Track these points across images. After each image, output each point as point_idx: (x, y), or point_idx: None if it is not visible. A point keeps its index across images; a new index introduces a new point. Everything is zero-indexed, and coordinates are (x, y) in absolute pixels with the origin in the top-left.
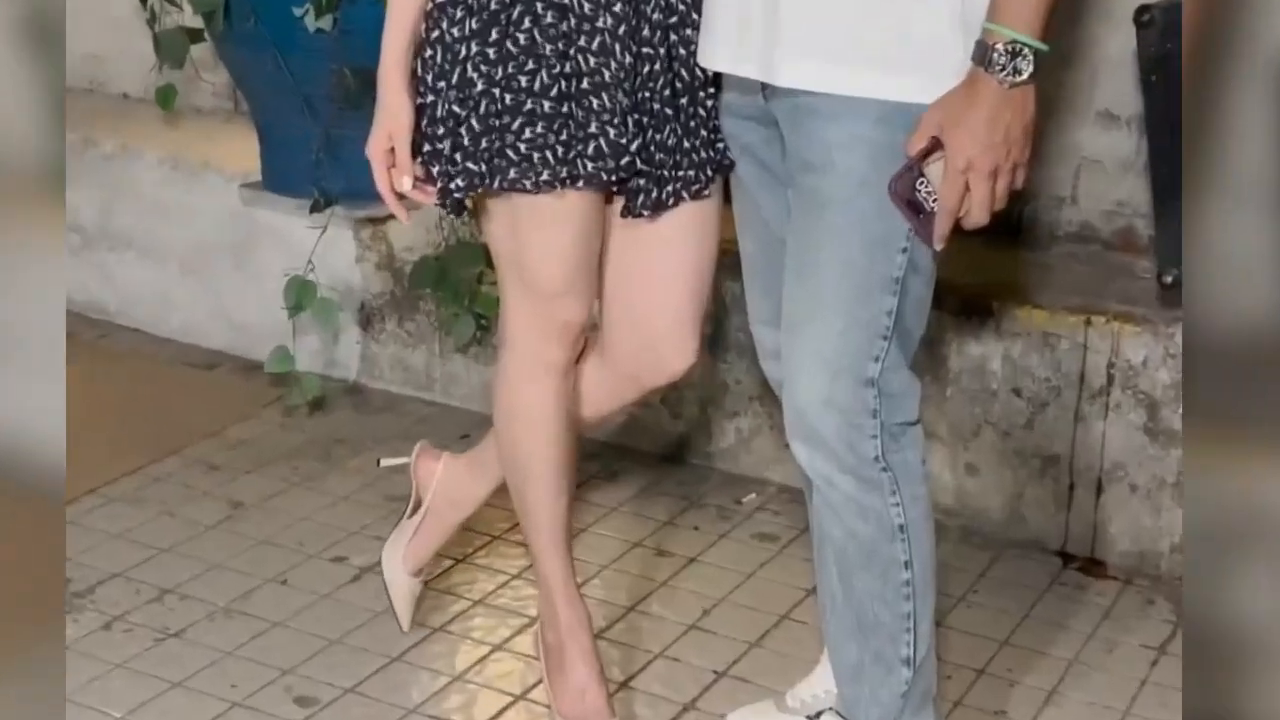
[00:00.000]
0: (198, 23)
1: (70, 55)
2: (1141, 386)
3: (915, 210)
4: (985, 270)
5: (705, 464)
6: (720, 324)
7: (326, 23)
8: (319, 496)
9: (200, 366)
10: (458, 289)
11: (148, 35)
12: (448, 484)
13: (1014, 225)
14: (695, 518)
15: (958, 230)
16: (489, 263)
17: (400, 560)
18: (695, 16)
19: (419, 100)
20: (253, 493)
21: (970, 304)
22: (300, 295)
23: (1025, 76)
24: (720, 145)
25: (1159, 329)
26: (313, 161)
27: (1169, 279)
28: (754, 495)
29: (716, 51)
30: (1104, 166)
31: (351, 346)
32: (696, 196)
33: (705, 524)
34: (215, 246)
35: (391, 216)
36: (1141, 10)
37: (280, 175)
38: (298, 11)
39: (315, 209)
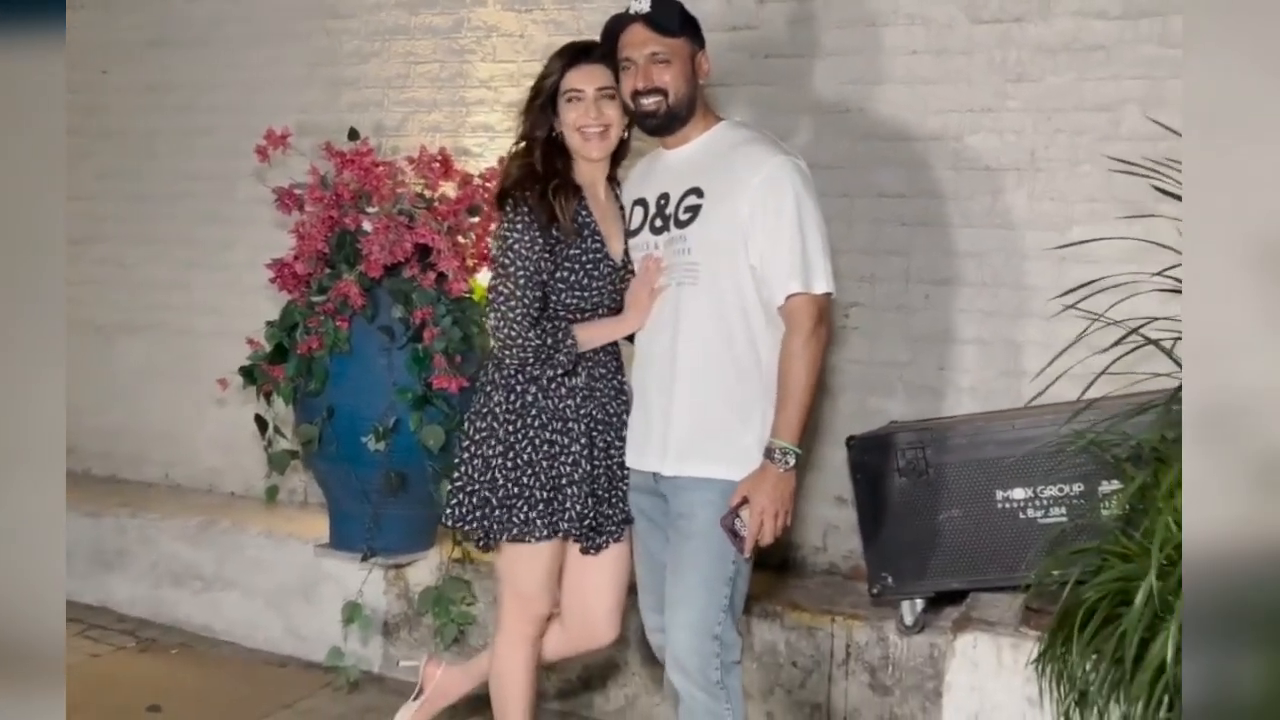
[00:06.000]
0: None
1: (195, 467)
2: (865, 658)
3: (734, 535)
4: (774, 592)
5: (602, 717)
6: None
7: (381, 446)
8: None
9: (276, 665)
10: (447, 609)
11: (249, 455)
12: (442, 682)
13: (790, 564)
14: None
15: (758, 550)
16: (469, 592)
17: None
18: (619, 443)
19: (472, 488)
20: None
21: (765, 611)
22: (352, 613)
23: (791, 466)
24: (626, 509)
25: (873, 622)
26: (365, 529)
27: (875, 591)
28: None
29: (635, 457)
30: (840, 530)
31: (377, 648)
32: (618, 541)
33: None
34: (291, 586)
35: (411, 562)
36: (850, 439)
37: (342, 538)
38: (364, 439)
39: (365, 559)
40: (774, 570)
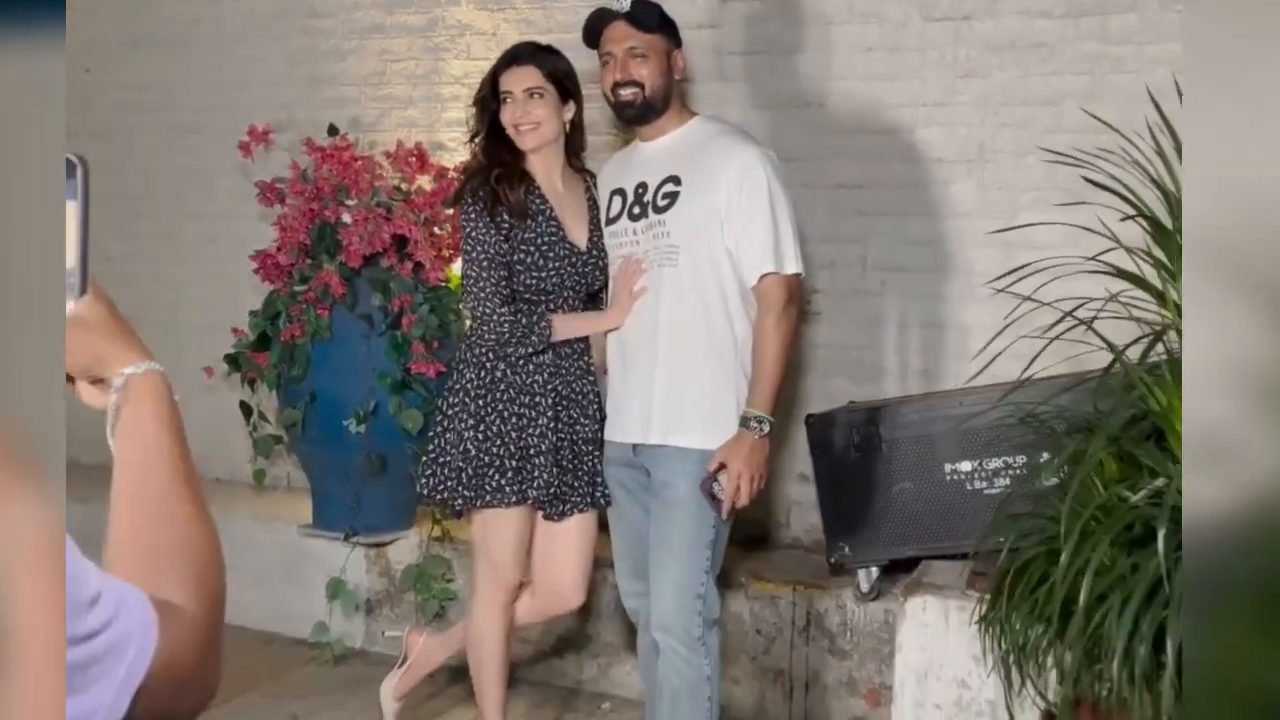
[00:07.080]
0: (279, 431)
1: None
2: (825, 624)
3: (713, 499)
4: (739, 565)
5: (575, 686)
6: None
7: (362, 429)
8: (344, 713)
9: (262, 642)
10: (429, 585)
11: (233, 441)
12: (425, 649)
13: (756, 539)
14: (572, 718)
15: (734, 513)
16: (449, 569)
17: (391, 691)
18: (584, 419)
19: (446, 459)
20: (303, 709)
21: (731, 582)
22: (336, 590)
23: (765, 433)
24: (598, 481)
25: (832, 591)
26: (347, 510)
27: (834, 559)
28: (608, 704)
29: (616, 430)
30: (802, 505)
31: (360, 624)
32: (583, 511)
33: None
34: (277, 566)
35: (392, 541)
36: (809, 417)
37: (325, 519)
38: (345, 423)
39: (347, 538)
40: (740, 545)
